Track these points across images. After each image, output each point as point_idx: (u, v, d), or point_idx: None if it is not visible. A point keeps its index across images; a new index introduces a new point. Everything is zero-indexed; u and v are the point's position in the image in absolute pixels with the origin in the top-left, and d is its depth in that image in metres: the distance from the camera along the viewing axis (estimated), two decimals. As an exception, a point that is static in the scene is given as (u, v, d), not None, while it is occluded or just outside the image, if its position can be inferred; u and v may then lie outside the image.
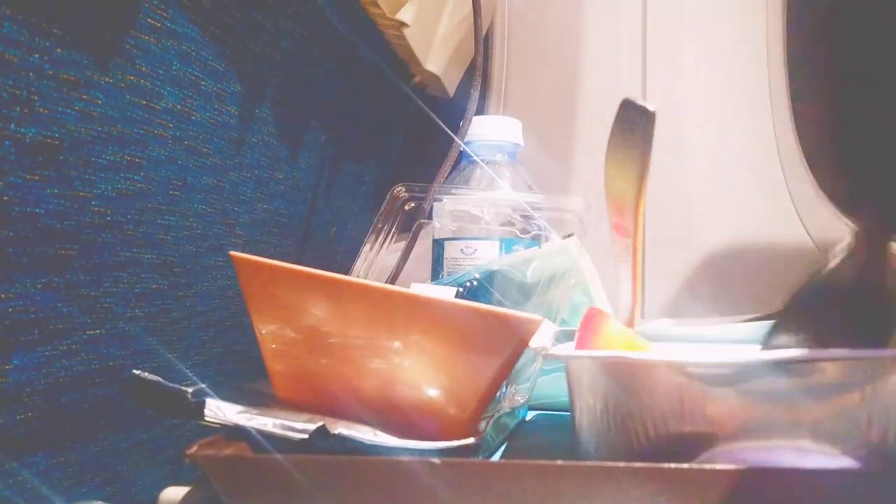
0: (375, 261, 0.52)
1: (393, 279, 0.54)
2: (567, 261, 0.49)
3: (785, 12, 0.83)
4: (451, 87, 0.75)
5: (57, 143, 0.32)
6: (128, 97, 0.35)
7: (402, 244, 0.55)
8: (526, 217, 0.54)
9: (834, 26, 0.84)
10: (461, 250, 0.53)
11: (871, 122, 0.80)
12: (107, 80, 0.34)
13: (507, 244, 0.54)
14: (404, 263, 0.54)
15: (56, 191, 0.33)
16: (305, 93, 0.54)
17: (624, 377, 0.30)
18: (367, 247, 0.52)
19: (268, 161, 0.51)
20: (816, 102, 0.86)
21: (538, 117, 0.73)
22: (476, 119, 0.60)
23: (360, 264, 0.51)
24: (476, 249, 0.53)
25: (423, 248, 0.57)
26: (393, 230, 0.54)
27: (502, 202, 0.55)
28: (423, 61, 0.67)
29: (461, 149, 0.58)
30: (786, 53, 0.83)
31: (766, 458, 0.28)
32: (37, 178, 0.31)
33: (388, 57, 0.66)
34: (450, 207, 0.55)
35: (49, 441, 0.37)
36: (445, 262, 0.54)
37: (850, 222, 0.77)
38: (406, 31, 0.61)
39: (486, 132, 0.60)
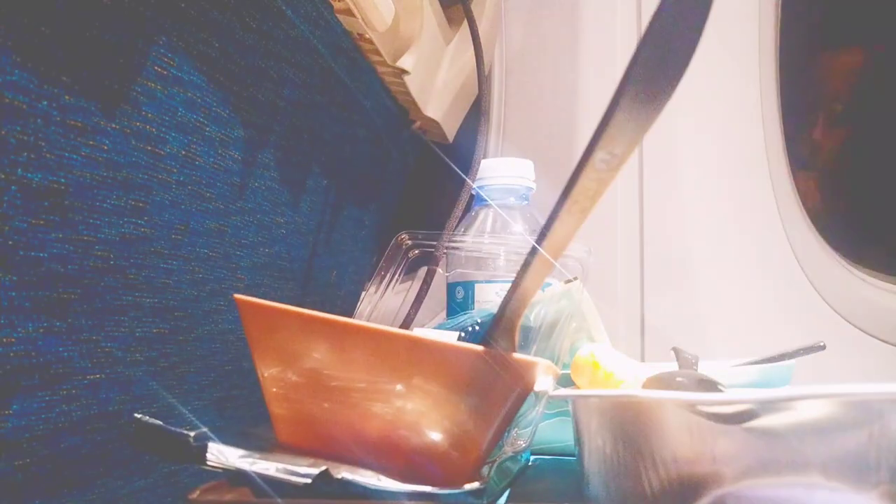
0: (379, 304, 0.52)
1: (406, 325, 0.53)
2: (570, 305, 0.49)
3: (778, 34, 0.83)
4: (450, 132, 0.76)
5: (63, 187, 0.32)
6: (133, 143, 0.36)
7: (405, 286, 0.55)
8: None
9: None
10: (496, 293, 0.52)
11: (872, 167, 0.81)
12: (113, 126, 0.34)
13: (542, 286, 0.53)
14: (416, 311, 0.54)
15: (60, 235, 0.33)
16: (307, 138, 0.55)
17: (632, 416, 0.30)
18: (372, 290, 0.52)
19: (270, 205, 0.51)
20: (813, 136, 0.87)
21: (536, 157, 0.73)
22: (488, 162, 0.60)
23: (363, 307, 0.51)
24: None
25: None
26: (396, 276, 0.53)
27: (521, 245, 0.54)
28: (423, 107, 0.68)
29: (471, 192, 0.58)
30: (780, 94, 0.84)
31: (777, 497, 0.27)
32: (42, 222, 0.32)
33: (389, 103, 0.67)
34: (484, 250, 0.54)
35: (47, 487, 0.37)
36: (476, 304, 0.53)
37: (854, 270, 0.77)
38: (406, 79, 0.62)
39: (498, 175, 0.59)
